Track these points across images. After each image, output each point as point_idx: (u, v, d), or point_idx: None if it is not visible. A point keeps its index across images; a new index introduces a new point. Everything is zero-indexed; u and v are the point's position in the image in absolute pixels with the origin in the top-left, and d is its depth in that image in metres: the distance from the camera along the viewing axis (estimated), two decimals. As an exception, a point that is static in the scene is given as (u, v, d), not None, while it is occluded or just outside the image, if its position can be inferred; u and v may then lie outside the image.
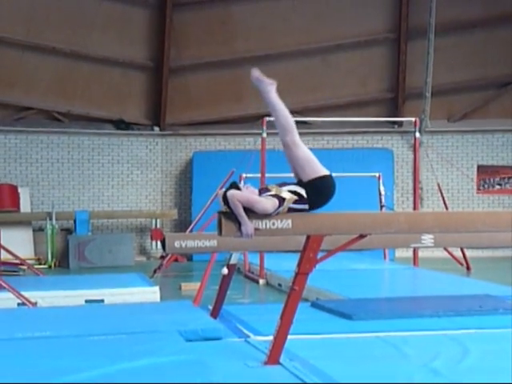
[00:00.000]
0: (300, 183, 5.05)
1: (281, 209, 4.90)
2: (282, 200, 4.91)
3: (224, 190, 4.87)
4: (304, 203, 5.01)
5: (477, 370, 4.75)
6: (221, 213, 4.87)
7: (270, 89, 5.22)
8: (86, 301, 8.64)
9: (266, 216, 4.92)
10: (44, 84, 16.79)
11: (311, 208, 5.04)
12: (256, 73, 5.23)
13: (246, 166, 12.58)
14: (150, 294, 8.96)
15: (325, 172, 5.05)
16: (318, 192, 5.02)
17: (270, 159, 12.33)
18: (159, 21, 17.09)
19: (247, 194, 4.83)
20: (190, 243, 6.57)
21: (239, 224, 4.78)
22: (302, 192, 5.01)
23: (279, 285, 10.97)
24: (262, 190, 5.00)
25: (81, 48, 16.77)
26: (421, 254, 13.06)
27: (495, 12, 17.33)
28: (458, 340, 5.65)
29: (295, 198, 4.98)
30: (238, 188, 4.86)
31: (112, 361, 4.76)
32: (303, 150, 5.06)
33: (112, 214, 16.97)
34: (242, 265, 13.03)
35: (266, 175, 12.22)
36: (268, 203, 4.84)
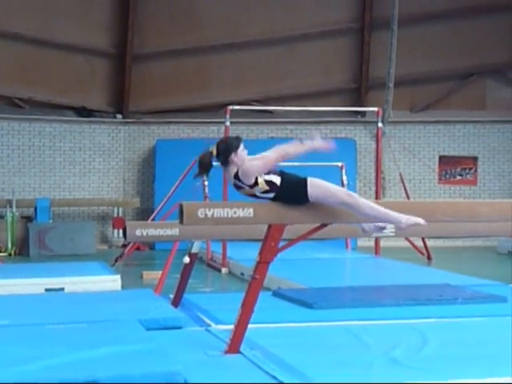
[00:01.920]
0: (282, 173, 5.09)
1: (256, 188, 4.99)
2: (256, 183, 4.98)
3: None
4: (272, 193, 5.01)
5: (436, 358, 4.79)
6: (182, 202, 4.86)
7: None
8: (46, 289, 8.55)
9: (227, 205, 4.95)
10: (5, 70, 16.56)
11: (276, 199, 5.04)
12: None
13: (209, 155, 12.52)
14: (110, 282, 8.90)
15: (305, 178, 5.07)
16: (290, 188, 5.02)
17: (233, 148, 12.29)
18: (122, 7, 16.95)
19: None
20: (152, 232, 6.55)
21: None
22: (277, 181, 5.01)
23: (242, 274, 10.97)
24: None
25: (43, 34, 16.58)
26: (383, 243, 13.13)
27: (458, 4, 17.46)
28: (418, 329, 5.70)
29: (266, 188, 5.00)
30: (239, 145, 5.00)
31: (71, 349, 4.72)
32: None
33: (73, 202, 16.84)
34: (204, 253, 13.00)
35: (229, 164, 12.19)
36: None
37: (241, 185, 5.05)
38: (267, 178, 5.02)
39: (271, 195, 5.04)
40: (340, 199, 5.01)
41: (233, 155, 5.01)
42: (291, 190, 5.01)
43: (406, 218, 5.13)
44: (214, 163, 5.08)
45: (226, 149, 5.03)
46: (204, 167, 5.09)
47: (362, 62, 17.54)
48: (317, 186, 5.01)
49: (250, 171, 4.98)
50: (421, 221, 5.16)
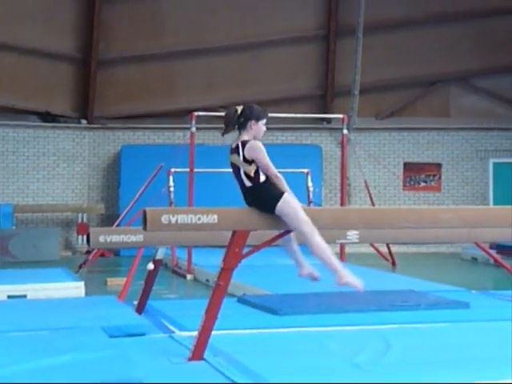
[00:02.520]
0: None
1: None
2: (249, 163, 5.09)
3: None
4: (251, 182, 5.10)
5: (399, 364, 4.81)
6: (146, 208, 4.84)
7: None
8: (9, 296, 8.47)
9: (191, 211, 4.96)
10: (-32, 74, 16.41)
11: (250, 191, 5.11)
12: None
13: (175, 161, 12.51)
14: (74, 289, 8.84)
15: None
16: (266, 191, 5.07)
17: (198, 154, 12.28)
18: (88, 13, 16.86)
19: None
20: (116, 238, 6.51)
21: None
22: (262, 178, 5.09)
23: (207, 280, 10.94)
24: None
25: (7, 39, 16.42)
26: (348, 249, 13.19)
27: (422, 12, 17.62)
28: (382, 335, 5.73)
29: (251, 174, 5.09)
30: (262, 118, 5.17)
31: (33, 357, 4.68)
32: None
33: (37, 208, 16.69)
34: (169, 260, 12.96)
35: (195, 170, 12.18)
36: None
37: (239, 152, 5.10)
38: (259, 170, 5.09)
39: (249, 184, 5.10)
40: (300, 228, 5.05)
41: (253, 122, 5.15)
42: (266, 193, 5.05)
43: (346, 276, 5.16)
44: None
45: (250, 113, 5.17)
46: (228, 123, 5.22)
47: (327, 69, 17.62)
48: (288, 204, 5.03)
49: (257, 148, 5.07)
50: (359, 286, 5.20)
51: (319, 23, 17.63)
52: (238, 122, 5.20)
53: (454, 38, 17.69)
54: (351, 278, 5.19)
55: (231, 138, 5.37)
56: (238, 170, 5.15)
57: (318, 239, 5.07)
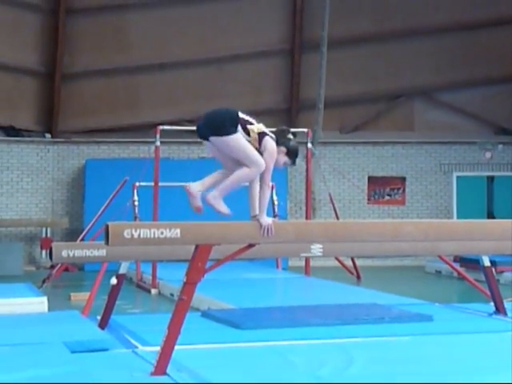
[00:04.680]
0: None
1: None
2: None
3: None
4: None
5: (362, 377, 4.83)
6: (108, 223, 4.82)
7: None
8: (-30, 312, 8.35)
9: (154, 225, 4.95)
10: None
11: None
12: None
13: (140, 175, 12.47)
14: (37, 304, 8.73)
15: None
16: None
17: (163, 168, 12.25)
18: (52, 26, 16.79)
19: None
20: (79, 252, 6.47)
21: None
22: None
23: (171, 294, 10.89)
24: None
25: (-30, 51, 16.32)
26: (313, 262, 13.23)
27: (385, 27, 17.77)
28: (345, 348, 5.74)
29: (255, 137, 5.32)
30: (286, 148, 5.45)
31: (-7, 373, 4.62)
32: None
33: (0, 223, 16.51)
34: (134, 274, 12.89)
35: (160, 184, 12.15)
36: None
37: (250, 134, 5.29)
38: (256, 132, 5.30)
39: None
40: (245, 159, 5.21)
41: (280, 148, 5.40)
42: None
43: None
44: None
45: (281, 138, 5.44)
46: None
47: (292, 82, 17.70)
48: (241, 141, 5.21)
49: (274, 152, 5.33)
50: (226, 212, 5.27)
51: (284, 37, 17.71)
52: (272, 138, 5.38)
53: (417, 53, 17.87)
54: (222, 208, 5.27)
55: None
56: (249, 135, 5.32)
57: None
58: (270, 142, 5.32)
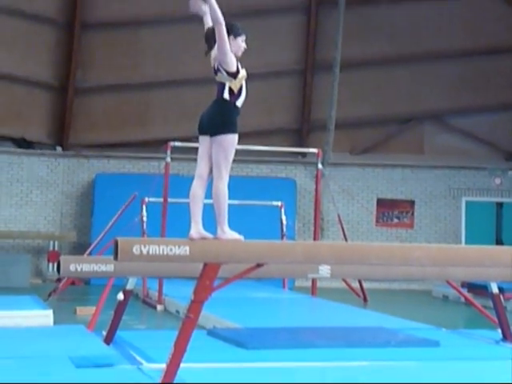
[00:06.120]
0: None
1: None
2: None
3: None
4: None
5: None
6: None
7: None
8: (-24, 323, 8.35)
9: (163, 242, 4.93)
10: None
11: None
12: None
13: (149, 190, 12.48)
14: (42, 317, 8.72)
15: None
16: None
17: (173, 184, 12.26)
18: (67, 41, 16.89)
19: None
20: (86, 267, 6.46)
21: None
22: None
23: (177, 311, 10.88)
24: None
25: (-16, 63, 16.42)
26: (320, 284, 13.19)
27: (397, 51, 17.81)
28: (350, 371, 5.70)
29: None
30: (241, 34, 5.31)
31: (-3, 386, 4.62)
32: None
33: (8, 234, 16.53)
34: (140, 290, 12.87)
35: (169, 200, 12.15)
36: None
37: (221, 69, 5.29)
38: (242, 90, 5.25)
39: (227, 97, 5.23)
40: (217, 171, 5.14)
41: (231, 38, 5.26)
42: (228, 116, 5.19)
43: (226, 234, 5.12)
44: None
45: (228, 30, 5.23)
46: (209, 41, 5.42)
47: (304, 103, 17.73)
48: (230, 144, 5.15)
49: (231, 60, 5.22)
50: (239, 238, 5.17)
51: (297, 58, 17.76)
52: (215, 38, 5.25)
53: (428, 77, 17.89)
54: (231, 235, 5.16)
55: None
56: (223, 87, 5.26)
57: (222, 186, 5.14)
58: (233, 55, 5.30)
